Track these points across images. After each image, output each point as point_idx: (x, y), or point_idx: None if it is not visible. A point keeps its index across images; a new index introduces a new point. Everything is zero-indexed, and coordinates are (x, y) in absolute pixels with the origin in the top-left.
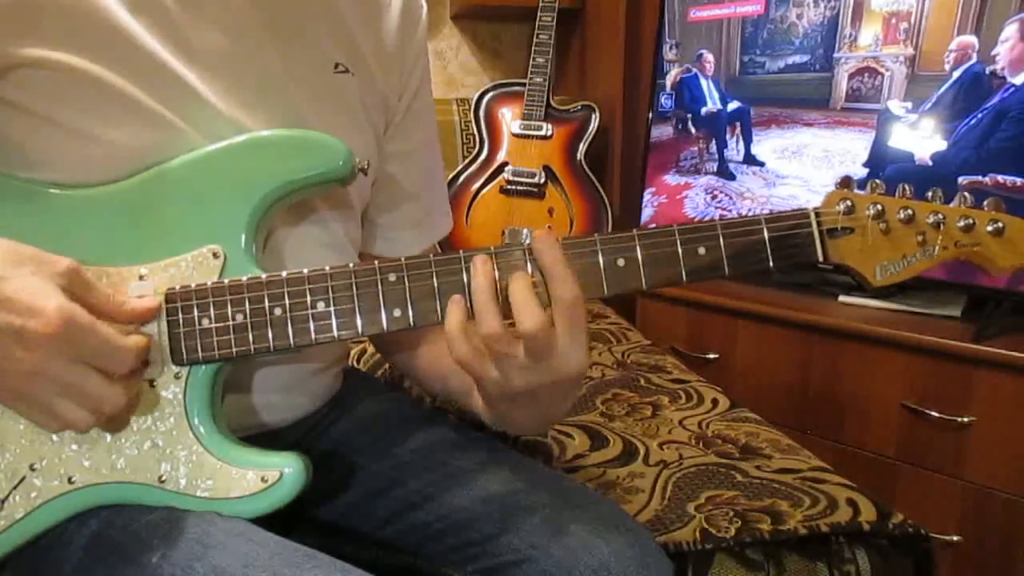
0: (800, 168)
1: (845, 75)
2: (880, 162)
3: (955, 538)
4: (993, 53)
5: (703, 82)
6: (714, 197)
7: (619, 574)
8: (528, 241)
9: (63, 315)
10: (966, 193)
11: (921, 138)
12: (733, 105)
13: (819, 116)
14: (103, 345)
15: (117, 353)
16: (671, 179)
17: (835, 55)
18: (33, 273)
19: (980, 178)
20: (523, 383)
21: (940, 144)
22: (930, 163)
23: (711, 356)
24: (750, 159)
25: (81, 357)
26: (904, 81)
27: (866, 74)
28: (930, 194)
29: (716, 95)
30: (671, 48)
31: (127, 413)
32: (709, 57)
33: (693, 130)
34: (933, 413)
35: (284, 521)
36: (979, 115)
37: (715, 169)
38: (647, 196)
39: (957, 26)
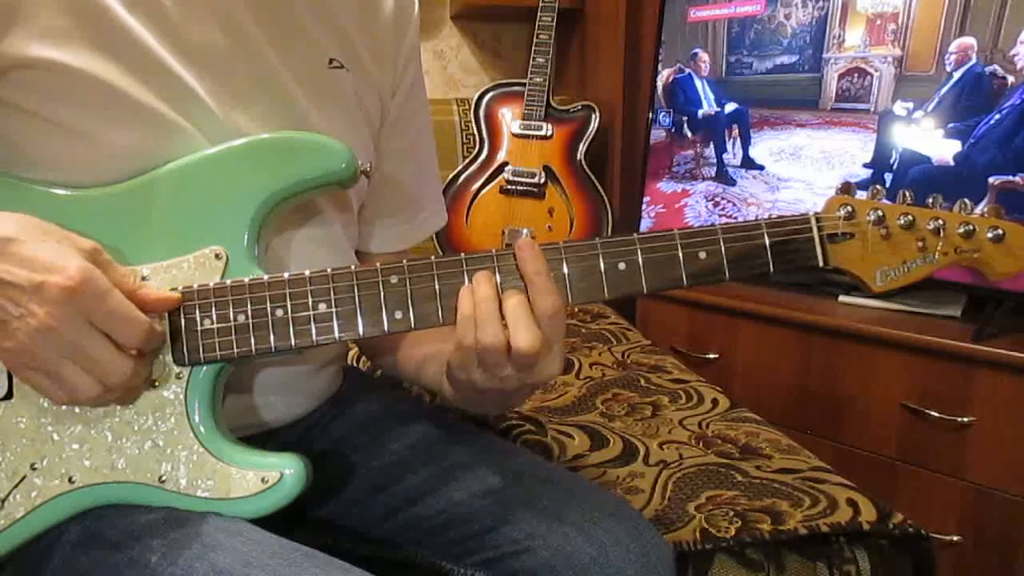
0: (800, 170)
1: (835, 76)
2: (884, 162)
3: (955, 538)
4: (1012, 53)
5: (698, 83)
6: (716, 204)
7: (618, 561)
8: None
9: (83, 273)
10: (966, 200)
11: (934, 139)
12: (730, 107)
13: (810, 117)
14: (116, 311)
15: (128, 323)
16: (665, 187)
17: (824, 55)
18: (58, 242)
19: (1011, 178)
20: (499, 385)
21: (955, 145)
22: (951, 163)
23: (711, 356)
24: (748, 163)
25: (92, 319)
26: (893, 82)
27: (855, 74)
28: (930, 200)
29: (711, 96)
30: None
31: (135, 398)
32: (704, 56)
33: (689, 134)
34: (933, 413)
35: (284, 520)
36: (997, 115)
37: (713, 174)
38: (643, 207)
39: (942, 27)
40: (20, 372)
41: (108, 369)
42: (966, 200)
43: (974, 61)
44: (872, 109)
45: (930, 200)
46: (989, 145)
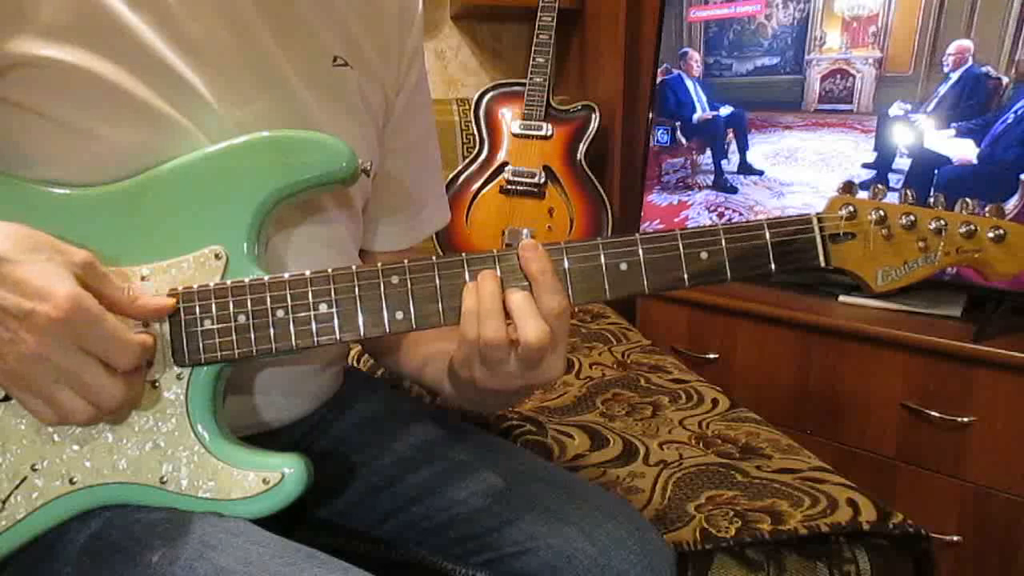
0: (800, 173)
1: (817, 77)
2: (887, 163)
3: (955, 538)
4: None
5: (689, 84)
6: (720, 215)
7: (619, 563)
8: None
9: (72, 301)
10: (967, 200)
11: (942, 139)
12: (726, 110)
13: (796, 119)
14: (108, 336)
15: (121, 346)
16: (659, 199)
17: (806, 57)
18: (49, 260)
19: None
20: (501, 384)
21: (967, 144)
22: (974, 163)
23: (711, 356)
24: (746, 168)
25: (85, 346)
26: (874, 82)
27: (838, 76)
28: (932, 200)
29: (704, 99)
30: None
31: (127, 413)
32: (695, 55)
33: (684, 140)
34: (933, 413)
35: (285, 520)
36: (1012, 114)
37: (710, 183)
38: (639, 223)
39: (919, 29)
40: (13, 393)
41: (101, 393)
42: (967, 199)
43: (971, 63)
44: (855, 110)
45: (931, 199)
46: (1012, 143)
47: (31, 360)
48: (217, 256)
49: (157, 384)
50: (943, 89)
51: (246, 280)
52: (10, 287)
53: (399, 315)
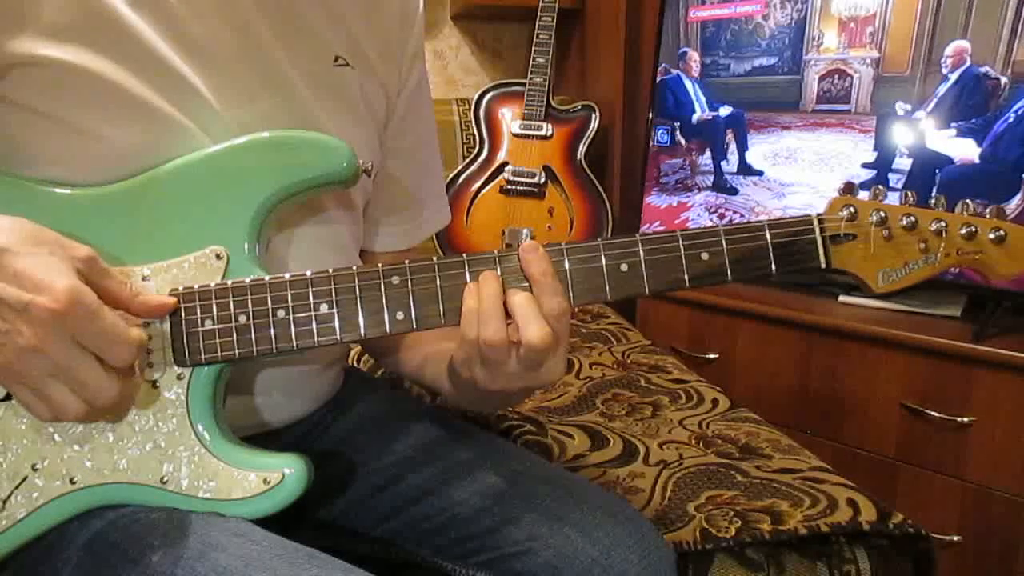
0: (800, 174)
1: (815, 77)
2: (887, 163)
3: (955, 538)
4: None
5: (688, 84)
6: (721, 216)
7: (620, 562)
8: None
9: (70, 294)
10: (968, 201)
11: (943, 139)
12: (725, 110)
13: (794, 119)
14: (105, 331)
15: (117, 343)
16: (658, 200)
17: (804, 57)
18: (51, 253)
19: None
20: (502, 385)
21: (968, 143)
22: (976, 162)
23: (711, 356)
24: (745, 169)
25: (81, 340)
26: (872, 83)
27: (835, 76)
28: (933, 201)
29: (703, 99)
30: None
31: (122, 411)
32: (694, 56)
33: (683, 141)
34: (933, 413)
35: (285, 520)
36: (1013, 114)
37: (709, 184)
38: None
39: (916, 29)
40: (6, 386)
41: (95, 390)
42: (968, 201)
43: (968, 63)
44: (853, 110)
45: (932, 201)
46: (1014, 143)
47: (27, 353)
48: (218, 256)
49: (157, 384)
50: (942, 89)
51: (247, 280)
52: (10, 278)
53: (400, 315)
